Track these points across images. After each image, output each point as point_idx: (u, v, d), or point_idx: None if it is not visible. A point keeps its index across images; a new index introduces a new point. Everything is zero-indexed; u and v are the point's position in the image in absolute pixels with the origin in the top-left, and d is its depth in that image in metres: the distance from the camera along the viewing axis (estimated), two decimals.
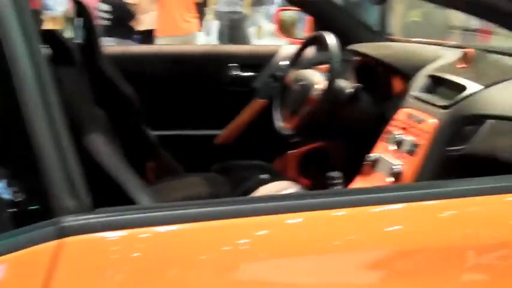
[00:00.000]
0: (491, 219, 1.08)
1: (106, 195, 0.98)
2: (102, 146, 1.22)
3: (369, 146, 1.94)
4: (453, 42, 2.48)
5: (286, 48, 2.55)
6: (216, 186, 1.95)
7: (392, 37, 2.51)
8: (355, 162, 1.99)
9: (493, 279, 1.05)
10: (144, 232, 0.93)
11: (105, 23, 5.37)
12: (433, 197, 1.07)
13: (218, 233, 0.96)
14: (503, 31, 1.64)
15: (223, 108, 2.53)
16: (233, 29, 7.02)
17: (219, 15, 7.03)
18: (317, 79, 2.10)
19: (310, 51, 2.41)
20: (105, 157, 1.19)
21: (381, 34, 2.53)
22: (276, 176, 2.18)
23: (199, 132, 2.53)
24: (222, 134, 2.53)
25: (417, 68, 2.00)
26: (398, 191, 1.09)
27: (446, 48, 2.23)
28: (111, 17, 5.33)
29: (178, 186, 1.93)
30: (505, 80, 1.69)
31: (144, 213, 0.95)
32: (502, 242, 1.06)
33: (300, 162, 2.50)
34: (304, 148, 2.48)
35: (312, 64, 2.34)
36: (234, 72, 2.52)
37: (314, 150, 2.49)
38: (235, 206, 1.00)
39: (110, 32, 5.35)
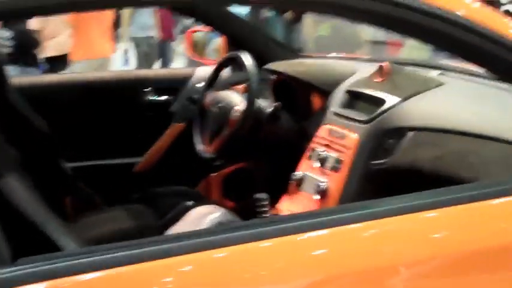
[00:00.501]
0: (414, 236, 1.08)
1: (28, 241, 0.91)
2: (17, 189, 1.14)
3: (293, 165, 1.94)
4: (367, 56, 2.53)
5: (202, 70, 2.51)
6: (141, 218, 1.89)
7: (306, 53, 2.53)
8: (280, 181, 1.99)
9: None
10: (68, 282, 0.87)
11: (7, 50, 5.16)
12: (356, 219, 1.06)
13: (145, 275, 0.92)
14: (412, 42, 1.68)
15: (141, 135, 2.46)
16: (150, 54, 6.93)
17: (136, 41, 6.92)
18: (236, 100, 2.09)
19: (226, 72, 2.39)
20: (22, 200, 1.11)
21: (294, 51, 2.55)
22: (200, 201, 2.14)
23: (117, 161, 2.45)
24: (141, 161, 2.47)
25: (335, 83, 2.02)
26: (322, 216, 1.07)
27: (361, 62, 2.27)
28: (14, 44, 5.12)
29: (102, 221, 1.85)
30: (421, 92, 1.73)
31: (68, 260, 0.88)
32: (426, 258, 1.06)
33: (224, 185, 2.47)
34: (226, 170, 2.45)
35: (229, 85, 2.32)
36: (150, 97, 2.46)
37: (237, 172, 2.47)
38: (162, 245, 0.95)
39: (12, 60, 5.14)
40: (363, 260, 1.03)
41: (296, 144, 2.04)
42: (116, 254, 0.91)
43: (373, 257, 1.04)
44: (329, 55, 2.45)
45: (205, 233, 1.07)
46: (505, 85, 1.64)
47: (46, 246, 1.02)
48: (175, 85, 2.49)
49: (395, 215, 1.08)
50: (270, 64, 2.21)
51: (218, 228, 1.30)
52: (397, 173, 1.66)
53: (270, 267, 0.98)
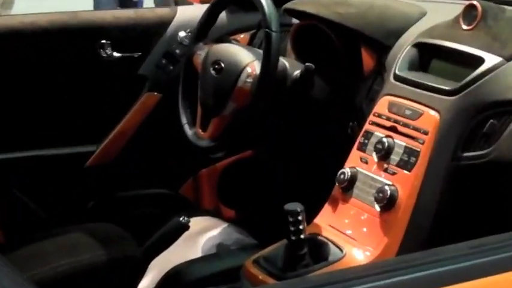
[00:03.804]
0: None
1: None
2: None
3: (336, 157, 1.86)
4: None
5: (187, 11, 2.43)
6: (114, 241, 1.81)
7: None
8: (313, 181, 1.91)
9: None
10: None
11: None
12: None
13: None
14: None
15: (96, 111, 2.37)
16: None
17: None
18: (245, 58, 1.98)
19: (222, 15, 2.29)
20: None
21: None
22: (190, 211, 2.08)
23: (61, 151, 2.36)
24: (97, 150, 2.38)
25: (396, 32, 1.93)
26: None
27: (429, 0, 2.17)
28: None
29: (55, 249, 1.75)
30: None
31: None
32: None
33: (220, 184, 2.41)
34: (223, 162, 2.40)
35: (227, 35, 2.23)
36: (108, 53, 2.36)
37: (239, 164, 2.41)
38: None
39: None
40: None
41: (338, 125, 1.97)
42: None
43: None
44: None
45: None
46: None
47: None
48: (146, 35, 2.39)
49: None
50: (293, 2, 2.09)
51: None
52: (503, 170, 1.60)
53: None
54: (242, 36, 2.35)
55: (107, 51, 2.36)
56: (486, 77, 1.64)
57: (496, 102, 1.61)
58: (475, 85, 1.64)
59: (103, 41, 2.35)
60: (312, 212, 1.78)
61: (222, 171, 2.41)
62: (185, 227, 1.80)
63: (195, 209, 2.21)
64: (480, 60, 1.66)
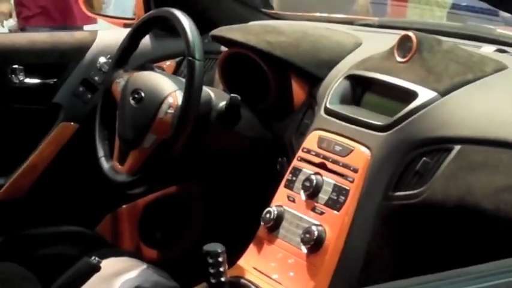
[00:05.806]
0: None
1: None
2: None
3: (263, 195, 1.87)
4: (375, 18, 2.48)
5: (107, 36, 2.44)
6: (16, 283, 1.80)
7: (275, 12, 2.48)
8: (238, 220, 1.93)
9: None
10: None
11: None
12: None
13: None
14: None
15: (5, 141, 2.37)
16: None
17: None
18: (167, 88, 2.00)
19: (146, 41, 2.33)
20: None
21: (255, 7, 2.49)
22: (105, 250, 2.08)
23: None
24: (6, 184, 2.38)
25: (328, 63, 1.97)
26: None
27: (365, 29, 2.21)
28: None
29: None
30: (472, 80, 1.68)
31: None
32: None
33: (141, 222, 2.41)
34: (145, 198, 2.40)
35: (151, 62, 2.26)
36: (20, 79, 2.37)
37: (162, 201, 2.42)
38: None
39: None
40: None
41: (265, 161, 2.00)
42: None
43: None
44: (315, 15, 2.40)
45: None
46: None
47: None
48: (62, 60, 2.41)
49: None
50: (220, 29, 2.12)
51: None
52: (435, 211, 1.60)
53: None
54: (168, 63, 2.37)
55: (20, 77, 2.36)
56: (419, 113, 1.65)
57: (429, 139, 1.62)
58: (407, 121, 1.66)
59: (15, 66, 2.35)
60: (236, 253, 1.79)
61: (144, 208, 2.40)
62: (95, 268, 1.78)
63: (113, 249, 2.19)
64: (413, 95, 1.67)
